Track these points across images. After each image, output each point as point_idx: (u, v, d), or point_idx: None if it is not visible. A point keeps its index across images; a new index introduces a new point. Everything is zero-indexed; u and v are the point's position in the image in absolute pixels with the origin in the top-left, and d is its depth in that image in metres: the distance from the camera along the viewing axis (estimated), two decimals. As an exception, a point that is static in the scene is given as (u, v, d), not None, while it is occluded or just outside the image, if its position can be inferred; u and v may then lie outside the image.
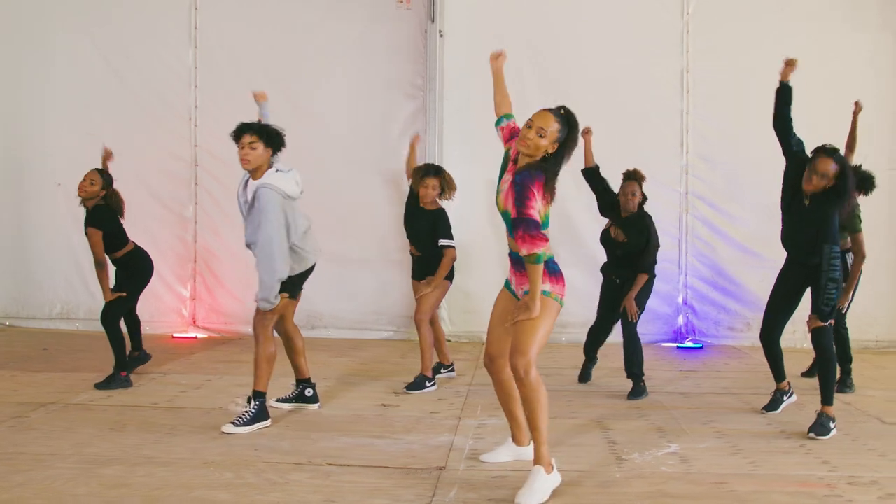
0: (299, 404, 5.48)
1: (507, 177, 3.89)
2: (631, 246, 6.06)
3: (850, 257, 6.12)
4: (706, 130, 8.65)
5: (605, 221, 6.36)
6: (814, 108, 8.07)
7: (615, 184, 6.23)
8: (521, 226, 3.70)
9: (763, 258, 8.07)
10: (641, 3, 8.71)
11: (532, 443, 3.85)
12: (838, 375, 5.95)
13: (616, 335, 6.40)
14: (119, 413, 5.26)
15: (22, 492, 3.74)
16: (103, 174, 6.22)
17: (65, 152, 8.93)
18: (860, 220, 6.15)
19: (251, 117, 5.28)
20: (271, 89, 8.45)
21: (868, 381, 6.69)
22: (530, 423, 3.79)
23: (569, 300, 8.51)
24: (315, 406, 5.49)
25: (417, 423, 5.13)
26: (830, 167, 4.93)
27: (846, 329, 6.35)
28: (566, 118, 3.81)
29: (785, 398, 5.56)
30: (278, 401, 5.46)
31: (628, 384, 6.07)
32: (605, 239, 6.27)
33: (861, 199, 6.22)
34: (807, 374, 6.70)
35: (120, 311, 6.23)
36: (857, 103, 6.30)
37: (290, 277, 5.00)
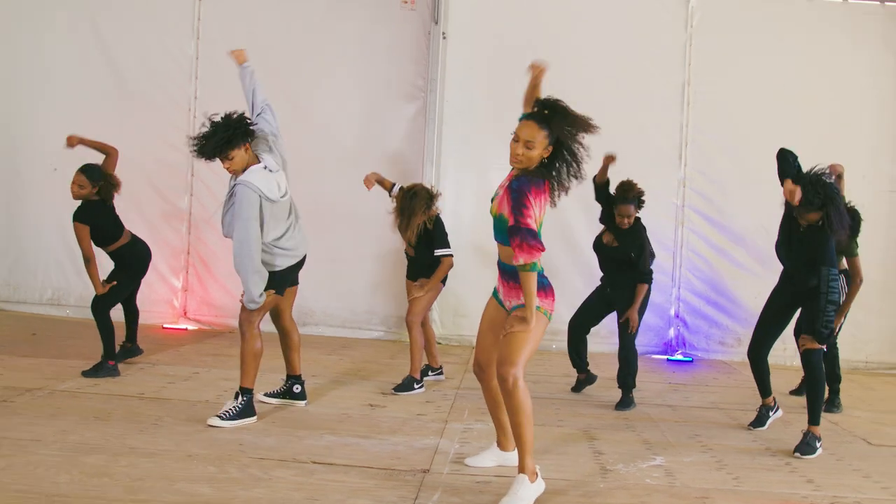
0: (287, 400, 5.46)
1: (505, 182, 3.88)
2: (622, 252, 6.07)
3: (845, 281, 6.14)
4: (705, 144, 8.66)
5: (601, 228, 6.37)
6: (813, 124, 8.14)
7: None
8: (519, 235, 3.65)
9: (757, 274, 8.09)
10: (645, 13, 8.72)
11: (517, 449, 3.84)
12: (826, 395, 5.96)
13: (604, 345, 6.41)
14: (105, 402, 5.24)
15: (2, 477, 3.72)
16: (89, 173, 6.05)
17: (61, 138, 8.84)
18: (857, 245, 6.16)
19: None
20: (272, 87, 8.47)
21: (856, 401, 6.69)
22: (515, 434, 3.78)
23: (562, 307, 8.51)
24: (302, 403, 5.47)
25: (403, 425, 5.11)
26: (812, 216, 4.95)
27: (836, 348, 6.37)
28: (548, 119, 3.71)
29: (771, 413, 5.58)
30: (266, 395, 5.44)
31: (617, 395, 6.07)
32: (598, 245, 6.28)
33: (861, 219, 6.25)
34: (795, 393, 6.71)
35: (111, 300, 6.19)
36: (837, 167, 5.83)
37: (276, 273, 4.98)
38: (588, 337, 6.44)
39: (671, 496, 4.01)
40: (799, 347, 5.12)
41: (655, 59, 8.68)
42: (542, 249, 3.67)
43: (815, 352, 5.02)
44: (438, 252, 6.10)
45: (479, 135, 8.60)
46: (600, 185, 6.21)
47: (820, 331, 4.95)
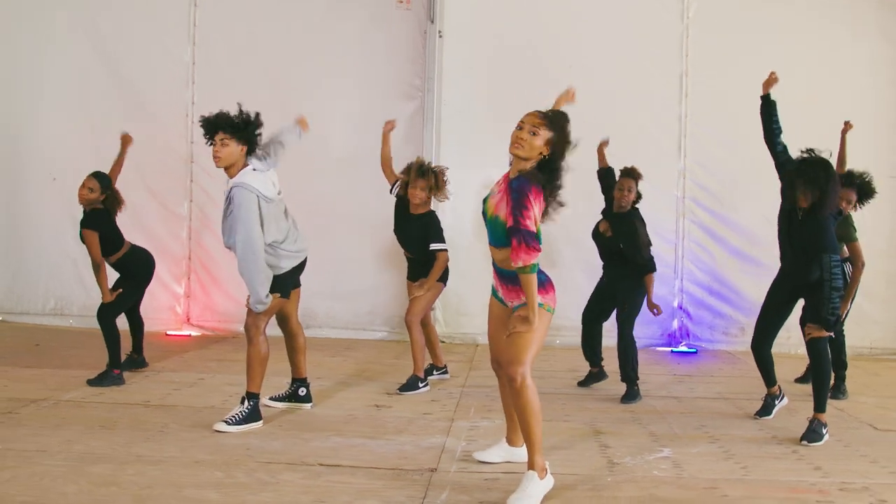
0: (292, 403, 5.45)
1: (501, 181, 3.86)
2: (616, 241, 6.09)
3: (847, 266, 6.13)
4: (704, 135, 8.66)
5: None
6: (812, 115, 8.11)
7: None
8: (518, 236, 3.61)
9: (759, 263, 8.08)
10: (641, 6, 8.72)
11: (525, 445, 3.84)
12: (832, 382, 5.96)
13: (606, 338, 6.41)
14: (110, 410, 5.24)
15: (8, 488, 3.72)
16: (101, 179, 6.16)
17: (60, 147, 8.92)
18: (855, 230, 6.16)
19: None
20: (269, 88, 8.52)
21: (861, 387, 6.69)
22: (524, 432, 3.78)
23: (566, 302, 8.50)
24: (308, 406, 5.47)
25: (410, 425, 5.11)
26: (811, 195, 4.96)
27: (843, 335, 6.36)
28: (553, 119, 3.74)
29: (776, 402, 5.56)
30: (271, 398, 5.43)
31: (622, 388, 6.06)
32: (595, 234, 6.32)
33: (860, 208, 6.26)
34: (801, 380, 6.70)
35: (117, 308, 6.20)
36: (846, 123, 6.36)
37: (278, 276, 4.97)
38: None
39: (679, 487, 4.01)
40: (805, 336, 5.10)
41: (652, 52, 8.67)
42: (539, 251, 3.64)
43: (821, 340, 5.01)
44: (433, 246, 6.09)
45: (477, 133, 8.58)
46: (602, 172, 6.32)
47: (826, 318, 4.94)
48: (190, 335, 8.73)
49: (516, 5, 8.76)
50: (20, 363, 6.76)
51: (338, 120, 8.81)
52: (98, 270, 6.05)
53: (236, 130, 4.84)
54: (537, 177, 3.68)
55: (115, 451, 4.32)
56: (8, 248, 9.18)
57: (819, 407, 4.99)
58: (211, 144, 4.89)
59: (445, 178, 6.18)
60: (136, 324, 6.60)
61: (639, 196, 6.18)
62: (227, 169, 4.89)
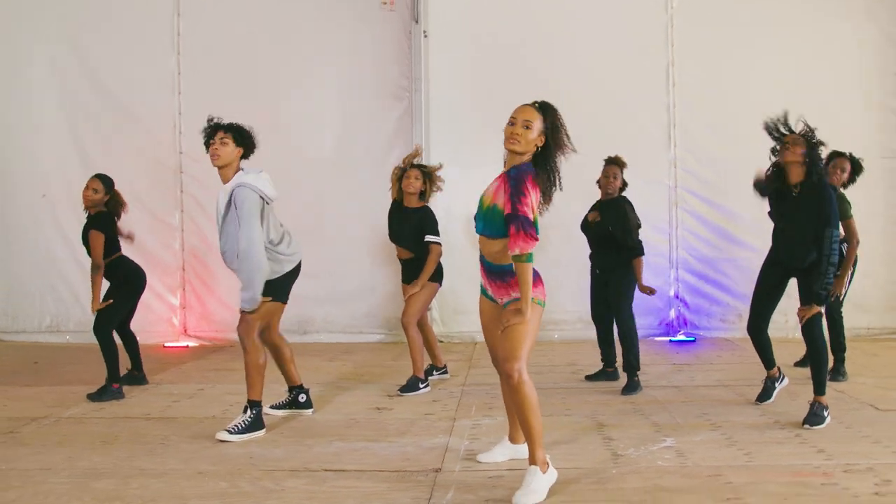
0: (293, 410, 5.45)
1: (499, 175, 3.86)
2: (604, 225, 6.12)
3: (844, 247, 6.15)
4: (693, 124, 8.68)
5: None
6: (798, 98, 8.12)
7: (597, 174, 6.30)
8: (516, 222, 3.62)
9: (754, 249, 8.08)
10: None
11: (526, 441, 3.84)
12: (831, 364, 5.97)
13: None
14: (111, 425, 5.22)
15: (14, 508, 3.71)
16: (104, 180, 6.19)
17: (49, 162, 8.89)
18: (850, 206, 6.19)
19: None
20: (256, 95, 8.51)
21: (860, 368, 6.71)
22: (524, 427, 3.78)
23: (563, 297, 8.53)
24: (309, 412, 5.46)
25: (412, 426, 5.11)
26: (799, 143, 4.97)
27: (841, 316, 6.37)
28: (543, 108, 3.77)
29: (776, 385, 5.56)
30: (272, 407, 5.42)
31: (622, 380, 6.06)
32: (584, 225, 6.38)
33: (856, 189, 6.29)
34: (800, 364, 6.71)
35: (113, 320, 6.17)
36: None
37: (274, 281, 4.98)
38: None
39: (684, 476, 4.01)
40: (800, 321, 5.08)
41: (638, 44, 8.70)
42: (537, 240, 3.66)
43: (816, 323, 5.01)
44: (428, 238, 6.10)
45: (466, 131, 8.59)
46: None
47: (818, 293, 4.92)
48: (188, 346, 8.71)
49: (500, 3, 8.76)
50: (19, 382, 6.74)
51: (327, 123, 8.83)
52: (96, 273, 6.04)
53: (236, 132, 4.96)
54: (532, 169, 3.72)
55: (118, 466, 4.31)
56: (2, 267, 9.13)
57: (819, 390, 5.00)
58: (209, 148, 4.97)
59: (438, 173, 6.27)
60: (129, 340, 6.55)
61: (624, 184, 6.25)
62: (221, 170, 4.96)
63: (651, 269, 8.32)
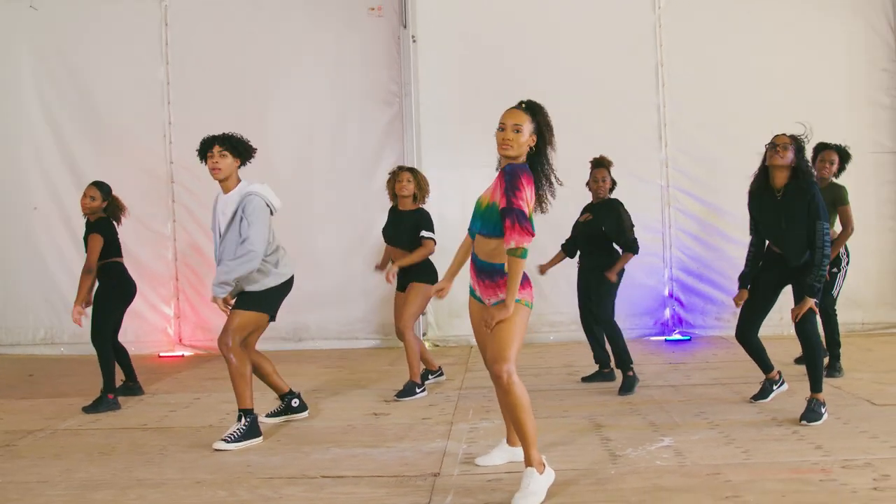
0: (288, 416, 5.44)
1: (496, 180, 3.88)
2: (596, 224, 6.16)
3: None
4: (684, 123, 8.69)
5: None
6: (788, 95, 8.18)
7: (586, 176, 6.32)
8: (511, 216, 3.65)
9: (747, 245, 8.10)
10: (612, 1, 8.74)
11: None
12: (827, 360, 5.97)
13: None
14: (108, 436, 5.20)
15: (12, 522, 3.69)
16: (101, 187, 6.19)
17: (40, 174, 8.85)
18: (847, 193, 6.23)
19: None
20: (245, 102, 8.50)
21: (856, 363, 6.72)
22: (517, 428, 3.77)
23: (557, 298, 8.51)
24: (304, 414, 5.47)
25: (409, 431, 5.10)
26: (789, 148, 4.99)
27: (835, 312, 6.39)
28: (530, 108, 3.80)
29: (775, 388, 5.53)
30: (267, 416, 5.41)
31: (619, 380, 6.07)
32: (576, 225, 6.45)
33: (847, 184, 6.33)
34: (799, 361, 6.70)
35: (108, 327, 6.14)
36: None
37: (261, 293, 4.98)
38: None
39: (683, 475, 4.01)
40: (794, 320, 5.08)
41: (627, 45, 8.71)
42: (533, 235, 3.68)
43: (810, 320, 5.01)
44: (423, 234, 6.10)
45: (457, 135, 8.60)
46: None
47: (812, 285, 4.93)
48: (183, 356, 8.69)
49: (487, 6, 8.77)
50: (14, 395, 6.70)
51: (318, 130, 8.81)
52: (86, 274, 6.00)
53: (232, 143, 4.99)
54: (527, 168, 3.76)
55: (115, 477, 4.29)
56: (-5, 280, 9.10)
57: (815, 387, 5.00)
58: (205, 162, 5.00)
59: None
60: (120, 352, 6.50)
61: (614, 183, 6.29)
62: (223, 182, 5.00)
63: (645, 269, 8.34)
